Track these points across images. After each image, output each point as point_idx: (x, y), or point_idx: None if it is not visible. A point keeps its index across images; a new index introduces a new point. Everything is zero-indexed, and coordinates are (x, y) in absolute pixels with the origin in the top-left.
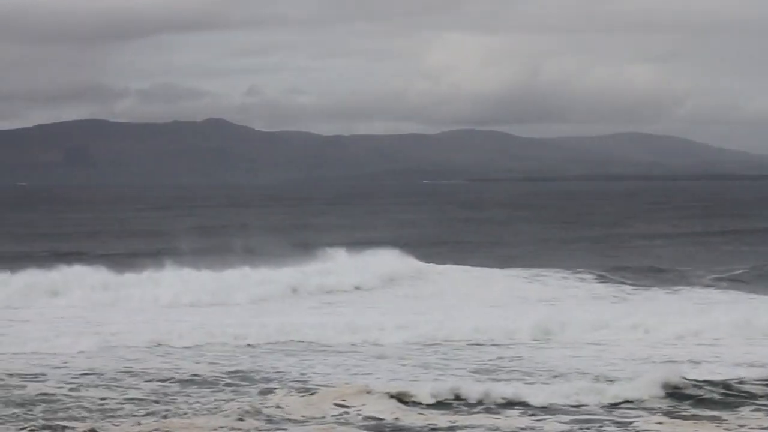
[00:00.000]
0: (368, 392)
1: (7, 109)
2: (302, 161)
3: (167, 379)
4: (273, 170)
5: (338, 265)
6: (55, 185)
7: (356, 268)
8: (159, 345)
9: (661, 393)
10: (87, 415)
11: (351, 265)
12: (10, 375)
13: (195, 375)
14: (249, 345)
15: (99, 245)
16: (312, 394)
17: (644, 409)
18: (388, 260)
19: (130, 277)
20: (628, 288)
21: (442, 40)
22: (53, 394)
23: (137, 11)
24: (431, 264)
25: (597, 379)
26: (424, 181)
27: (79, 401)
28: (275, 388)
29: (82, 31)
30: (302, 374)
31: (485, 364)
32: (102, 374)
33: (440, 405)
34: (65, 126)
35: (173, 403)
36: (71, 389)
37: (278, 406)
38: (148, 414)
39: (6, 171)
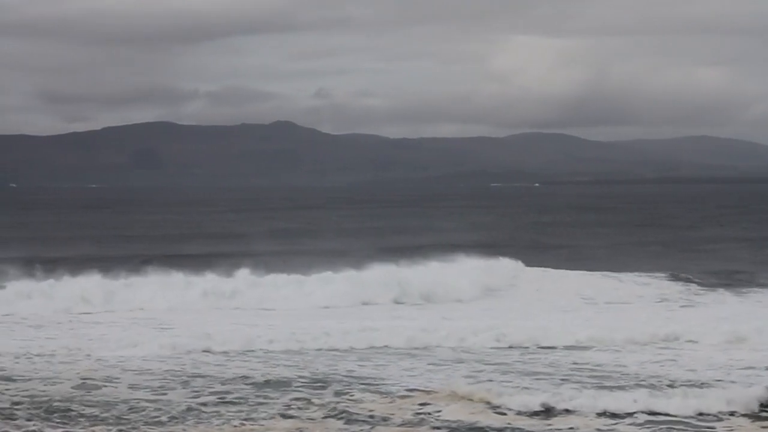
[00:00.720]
0: (469, 399)
1: (76, 111)
2: (369, 164)
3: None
4: (340, 173)
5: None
6: (125, 187)
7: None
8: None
9: None
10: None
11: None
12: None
13: (312, 376)
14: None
15: (203, 247)
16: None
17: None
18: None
19: (275, 278)
20: (721, 291)
21: (511, 42)
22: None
23: (207, 14)
24: (531, 267)
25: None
26: (492, 184)
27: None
28: (363, 390)
29: (151, 33)
30: (401, 377)
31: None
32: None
33: (543, 413)
34: (133, 128)
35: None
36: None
37: (367, 409)
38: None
39: (75, 173)
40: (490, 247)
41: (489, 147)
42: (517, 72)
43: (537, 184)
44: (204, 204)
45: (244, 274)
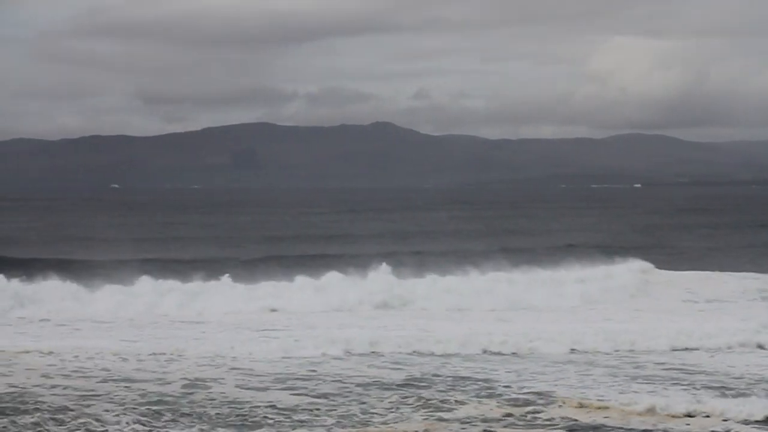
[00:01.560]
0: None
1: (177, 112)
2: (468, 165)
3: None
4: (439, 174)
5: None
6: (225, 188)
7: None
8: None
9: None
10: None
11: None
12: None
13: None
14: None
15: (324, 248)
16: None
17: None
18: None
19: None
20: None
21: (610, 43)
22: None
23: (307, 15)
24: (662, 270)
25: None
26: (593, 186)
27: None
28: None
29: (252, 34)
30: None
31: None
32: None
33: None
34: (233, 129)
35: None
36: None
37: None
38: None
39: (176, 173)
40: (607, 248)
41: (587, 148)
42: (616, 73)
43: (638, 186)
44: (311, 205)
45: (384, 273)
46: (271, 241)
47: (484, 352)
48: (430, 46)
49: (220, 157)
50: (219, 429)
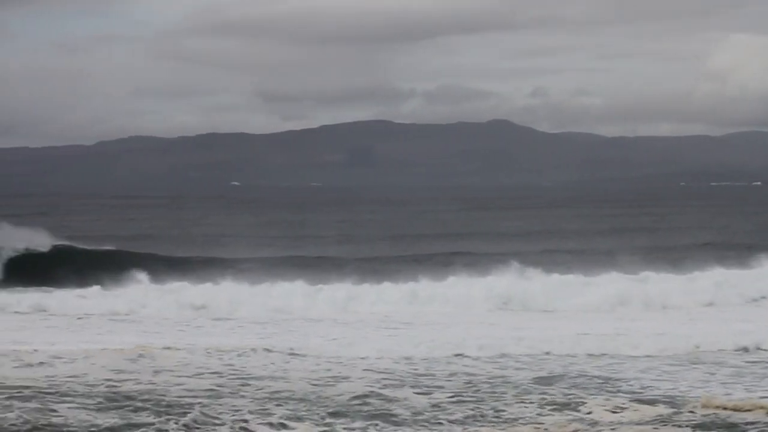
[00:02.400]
0: None
1: (294, 109)
2: (584, 163)
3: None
4: (556, 172)
5: None
6: (343, 186)
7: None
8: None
9: None
10: None
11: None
12: None
13: None
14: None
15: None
16: None
17: None
18: None
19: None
20: None
21: (728, 40)
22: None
23: (424, 13)
24: None
25: None
26: (711, 184)
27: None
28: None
29: (368, 32)
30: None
31: None
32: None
33: None
34: (350, 126)
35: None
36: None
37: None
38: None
39: (293, 171)
40: (751, 246)
41: (706, 146)
42: (735, 70)
43: (757, 183)
44: (435, 202)
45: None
46: (404, 239)
47: (608, 354)
48: (547, 44)
49: (337, 154)
50: (358, 421)
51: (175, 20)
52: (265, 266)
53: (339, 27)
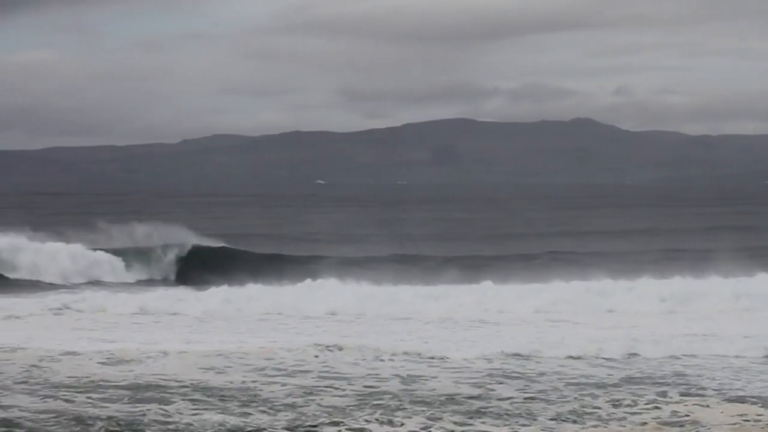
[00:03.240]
0: None
1: (376, 108)
2: (668, 161)
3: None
4: (639, 170)
5: None
6: (428, 183)
7: None
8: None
9: None
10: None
11: None
12: None
13: None
14: None
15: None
16: None
17: None
18: None
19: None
20: None
21: None
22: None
23: (509, 11)
24: None
25: None
26: None
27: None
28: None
29: (453, 30)
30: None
31: None
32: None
33: None
34: (433, 125)
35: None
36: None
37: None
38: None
39: (376, 169)
40: None
41: None
42: None
43: None
44: (527, 200)
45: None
46: (507, 237)
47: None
48: (631, 42)
49: (420, 152)
50: (446, 416)
51: (261, 19)
52: (383, 265)
53: (423, 25)
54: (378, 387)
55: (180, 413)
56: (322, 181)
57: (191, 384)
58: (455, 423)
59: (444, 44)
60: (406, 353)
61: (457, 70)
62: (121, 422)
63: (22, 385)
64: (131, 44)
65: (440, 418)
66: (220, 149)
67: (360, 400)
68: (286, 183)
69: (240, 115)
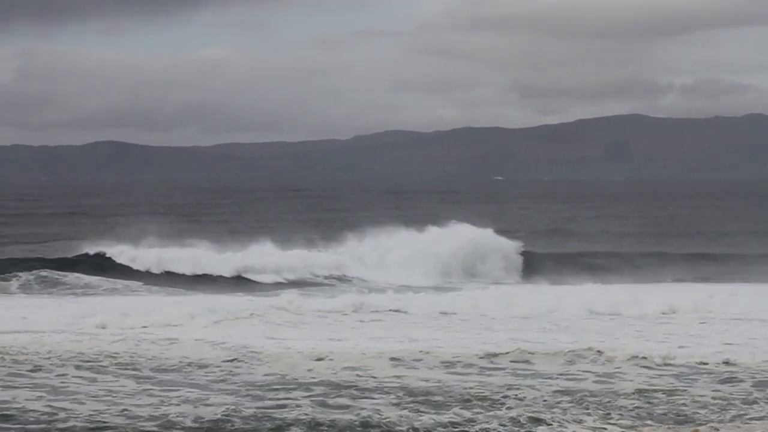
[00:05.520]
0: None
1: (551, 104)
2: None
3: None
4: None
5: None
6: (599, 180)
7: None
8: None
9: None
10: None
11: None
12: None
13: None
14: None
15: None
16: None
17: None
18: None
19: None
20: None
21: None
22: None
23: (683, 6)
24: None
25: None
26: None
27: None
28: None
29: (626, 26)
30: None
31: None
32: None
33: None
34: (606, 121)
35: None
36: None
37: None
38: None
39: (549, 165)
40: None
41: None
42: None
43: None
44: (717, 197)
45: None
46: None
47: None
48: None
49: (593, 148)
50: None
51: (434, 15)
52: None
53: (596, 21)
54: None
55: None
56: (499, 177)
57: None
58: None
59: (617, 40)
60: None
61: (630, 65)
62: None
63: None
64: (306, 41)
65: None
66: (392, 145)
67: None
68: (462, 179)
69: (412, 111)
